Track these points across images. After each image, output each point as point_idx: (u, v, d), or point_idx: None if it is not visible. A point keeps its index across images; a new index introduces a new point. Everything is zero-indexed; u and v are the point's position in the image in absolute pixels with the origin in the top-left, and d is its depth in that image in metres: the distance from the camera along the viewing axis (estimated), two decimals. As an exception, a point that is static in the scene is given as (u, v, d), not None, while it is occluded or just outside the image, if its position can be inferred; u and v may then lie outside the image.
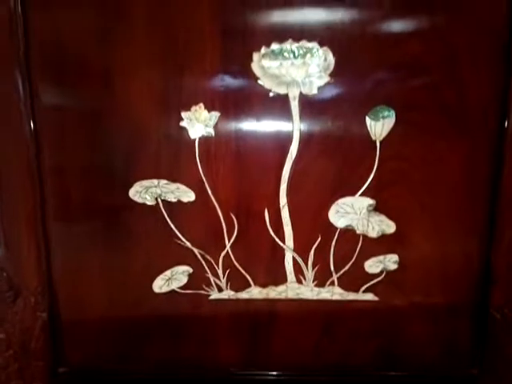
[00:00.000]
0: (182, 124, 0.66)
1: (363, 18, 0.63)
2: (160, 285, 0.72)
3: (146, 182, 0.68)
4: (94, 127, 0.67)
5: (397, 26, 0.63)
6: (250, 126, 0.67)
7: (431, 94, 0.65)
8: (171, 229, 0.70)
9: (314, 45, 0.64)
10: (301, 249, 0.70)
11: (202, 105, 0.66)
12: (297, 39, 0.64)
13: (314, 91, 0.65)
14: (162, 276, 0.71)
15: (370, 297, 0.72)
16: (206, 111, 0.66)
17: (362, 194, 0.68)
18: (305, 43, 0.64)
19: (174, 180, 0.68)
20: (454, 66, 0.64)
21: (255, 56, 0.64)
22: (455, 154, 0.66)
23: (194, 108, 0.66)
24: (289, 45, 0.64)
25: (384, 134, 0.66)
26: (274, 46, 0.64)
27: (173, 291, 0.72)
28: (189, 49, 0.64)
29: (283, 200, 0.69)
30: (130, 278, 0.72)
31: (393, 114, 0.65)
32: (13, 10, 0.62)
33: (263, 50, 0.64)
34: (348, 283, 0.71)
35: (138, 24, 0.64)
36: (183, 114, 0.66)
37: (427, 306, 0.71)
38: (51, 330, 0.73)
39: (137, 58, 0.65)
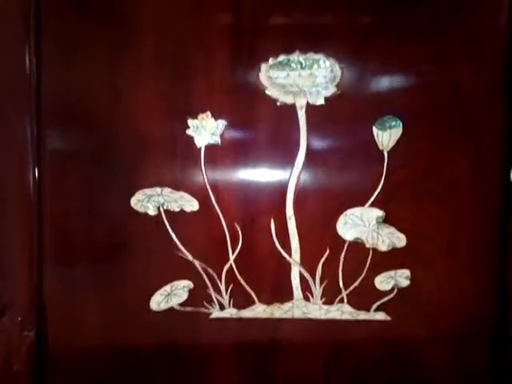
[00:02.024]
0: (189, 132, 0.66)
1: (368, 29, 0.65)
2: (158, 301, 0.67)
3: (148, 191, 0.66)
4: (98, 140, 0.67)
5: (403, 39, 0.65)
6: (257, 134, 0.66)
7: (437, 104, 0.65)
8: (172, 240, 0.67)
9: (320, 56, 0.66)
10: (308, 263, 0.67)
11: (209, 113, 0.66)
12: (304, 51, 0.65)
13: (321, 101, 0.66)
14: (160, 291, 0.67)
15: (381, 316, 0.67)
16: (212, 119, 0.66)
17: (370, 205, 0.66)
18: (312, 55, 0.66)
19: (177, 188, 0.66)
20: (458, 77, 0.65)
21: (263, 67, 0.66)
22: (465, 164, 0.66)
23: (201, 116, 0.66)
24: (296, 56, 0.66)
25: (391, 144, 0.66)
26: (282, 57, 0.66)
27: (171, 309, 0.67)
28: (197, 58, 0.65)
29: (290, 211, 0.67)
30: (126, 295, 0.68)
31: (400, 124, 0.66)
32: (28, 66, 0.63)
33: (271, 61, 0.66)
34: (358, 301, 0.67)
35: (146, 38, 0.65)
36: (190, 122, 0.66)
37: (443, 326, 0.67)
38: (37, 352, 0.67)
39: (145, 68, 0.66)
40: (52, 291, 0.68)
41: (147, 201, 0.67)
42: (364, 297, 0.67)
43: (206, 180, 0.66)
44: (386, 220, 0.66)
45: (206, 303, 0.68)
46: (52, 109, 0.65)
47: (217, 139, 0.66)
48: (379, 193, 0.66)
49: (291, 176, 0.66)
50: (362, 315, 0.67)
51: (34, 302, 0.67)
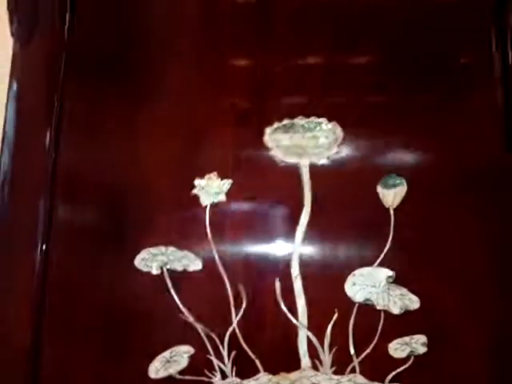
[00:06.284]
0: (195, 191, 0.67)
1: (370, 99, 0.69)
2: (157, 368, 0.63)
3: (153, 249, 0.66)
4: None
5: (401, 102, 0.68)
6: (262, 193, 0.67)
7: (442, 161, 0.66)
8: (174, 302, 0.64)
9: (323, 120, 0.68)
10: (316, 327, 0.63)
11: (215, 173, 0.68)
12: (306, 115, 0.68)
13: (324, 161, 0.67)
14: (159, 357, 0.63)
15: (397, 389, 0.61)
16: (219, 179, 0.67)
17: (379, 265, 0.64)
18: (314, 119, 0.69)
19: (181, 247, 0.66)
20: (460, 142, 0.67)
21: (268, 130, 0.68)
22: (474, 221, 0.64)
23: (207, 176, 0.68)
24: (299, 120, 0.69)
25: (396, 202, 0.66)
26: (286, 121, 0.69)
27: (170, 377, 0.63)
28: (207, 122, 0.69)
29: (295, 271, 0.65)
30: (124, 362, 0.64)
31: (403, 182, 0.66)
32: (47, 147, 0.68)
33: (275, 124, 0.69)
34: (371, 370, 0.62)
35: (162, 103, 0.70)
36: (196, 182, 0.67)
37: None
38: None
39: (159, 130, 0.69)
40: (47, 357, 0.65)
41: (151, 260, 0.66)
42: (378, 366, 0.62)
43: (210, 239, 0.66)
44: (397, 280, 0.64)
45: (207, 371, 0.63)
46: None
47: (222, 198, 0.67)
48: (387, 252, 0.64)
49: (296, 234, 0.65)
50: (377, 387, 0.62)
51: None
